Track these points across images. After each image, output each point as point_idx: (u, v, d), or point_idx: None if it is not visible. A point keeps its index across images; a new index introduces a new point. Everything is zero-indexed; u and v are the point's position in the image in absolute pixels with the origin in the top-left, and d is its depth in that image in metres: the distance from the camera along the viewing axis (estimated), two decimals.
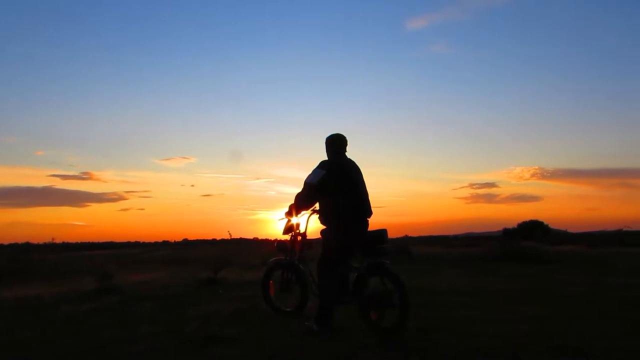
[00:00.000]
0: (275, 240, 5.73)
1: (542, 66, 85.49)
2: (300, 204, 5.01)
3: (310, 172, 4.87)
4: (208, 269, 8.92)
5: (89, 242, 46.57)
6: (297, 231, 5.35)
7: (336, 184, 4.73)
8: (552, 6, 79.97)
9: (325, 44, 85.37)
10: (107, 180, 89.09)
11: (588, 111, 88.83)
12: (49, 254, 15.41)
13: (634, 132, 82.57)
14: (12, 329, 5.27)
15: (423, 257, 14.08)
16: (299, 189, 4.97)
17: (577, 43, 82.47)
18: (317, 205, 5.03)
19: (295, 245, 5.39)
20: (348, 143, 5.05)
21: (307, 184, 4.84)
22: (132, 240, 50.10)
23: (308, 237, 5.35)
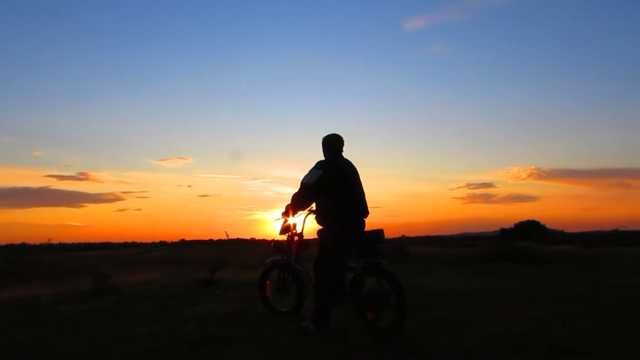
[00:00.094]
0: (272, 240, 5.73)
1: (540, 66, 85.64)
2: (297, 204, 5.02)
3: (307, 172, 4.88)
4: (205, 270, 8.91)
5: (85, 243, 46.48)
6: (294, 231, 5.35)
7: (333, 184, 4.74)
8: (551, 6, 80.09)
9: (324, 44, 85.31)
10: (103, 180, 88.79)
11: (585, 111, 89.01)
12: (46, 254, 15.33)
13: (631, 132, 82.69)
14: (9, 329, 5.26)
15: (420, 257, 14.09)
16: (295, 189, 4.97)
17: (575, 43, 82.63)
18: (313, 206, 5.04)
19: (292, 245, 5.40)
20: (345, 143, 5.06)
21: (304, 184, 4.85)
22: (129, 240, 50.02)
23: (305, 238, 5.36)
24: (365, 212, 4.89)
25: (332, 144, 5.02)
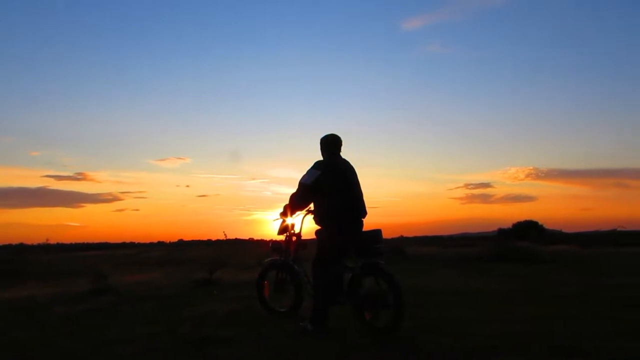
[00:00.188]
0: (271, 240, 5.72)
1: (537, 67, 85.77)
2: (295, 204, 5.01)
3: (305, 172, 4.88)
4: (203, 270, 8.89)
5: (83, 243, 46.45)
6: (292, 231, 5.35)
7: (331, 185, 4.73)
8: (548, 7, 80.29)
9: (324, 45, 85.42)
10: (101, 180, 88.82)
11: (582, 112, 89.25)
12: (43, 255, 15.30)
13: (628, 133, 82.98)
14: (8, 329, 5.25)
15: (418, 257, 14.09)
16: (294, 190, 4.97)
17: (572, 44, 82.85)
18: (311, 206, 5.04)
19: (290, 245, 5.39)
20: (343, 143, 5.05)
21: (302, 184, 4.84)
22: (127, 240, 49.96)
23: (303, 238, 5.36)
24: (363, 212, 4.88)
25: (330, 144, 5.02)
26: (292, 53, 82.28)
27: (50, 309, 6.36)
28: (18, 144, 78.78)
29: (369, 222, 4.90)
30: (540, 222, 37.17)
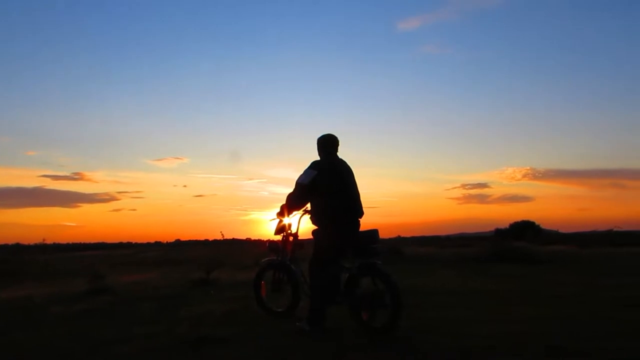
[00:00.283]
0: (268, 240, 5.72)
1: (533, 67, 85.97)
2: (292, 204, 5.01)
3: (302, 172, 4.88)
4: (200, 270, 8.89)
5: (80, 243, 46.32)
6: (289, 231, 5.35)
7: (327, 184, 4.73)
8: (544, 8, 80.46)
9: (323, 45, 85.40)
10: (98, 180, 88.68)
11: (579, 112, 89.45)
12: (40, 254, 15.27)
13: (625, 133, 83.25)
14: (4, 330, 5.24)
15: (416, 258, 14.10)
16: (291, 190, 4.96)
17: (568, 44, 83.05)
18: (308, 206, 5.03)
19: (287, 245, 5.39)
20: (340, 143, 5.05)
21: (299, 184, 4.84)
22: (124, 240, 49.91)
23: (300, 238, 5.35)
24: (360, 212, 4.88)
25: (327, 144, 5.01)
26: (292, 53, 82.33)
27: (47, 309, 6.34)
28: (15, 143, 78.63)
29: (366, 222, 4.91)
30: (537, 223, 37.33)
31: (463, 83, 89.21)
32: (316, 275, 4.76)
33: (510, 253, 12.83)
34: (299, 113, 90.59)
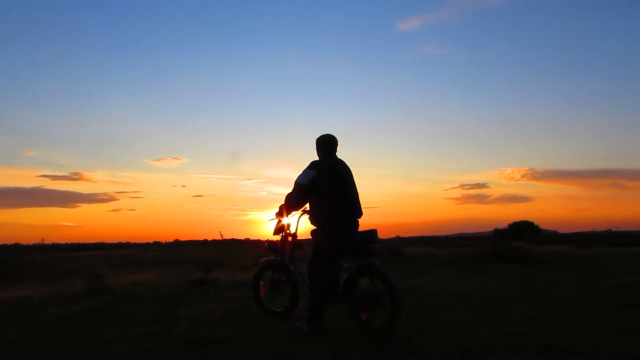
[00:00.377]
0: (266, 240, 5.72)
1: (533, 67, 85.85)
2: (291, 204, 5.01)
3: (301, 172, 4.88)
4: (199, 270, 8.88)
5: (79, 243, 46.29)
6: (288, 232, 5.35)
7: (326, 185, 4.73)
8: (544, 8, 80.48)
9: (323, 45, 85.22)
10: (97, 180, 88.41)
11: (578, 112, 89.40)
12: (39, 255, 15.25)
13: (624, 133, 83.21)
14: (3, 330, 5.23)
15: (415, 258, 14.11)
16: (290, 190, 4.97)
17: (568, 44, 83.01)
18: (307, 206, 5.04)
19: (285, 245, 5.39)
20: (338, 143, 5.06)
21: (298, 184, 4.84)
22: (123, 241, 49.89)
23: (298, 238, 5.35)
24: (359, 212, 4.88)
25: (326, 144, 5.02)
26: (292, 53, 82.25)
27: (46, 309, 6.34)
28: (13, 143, 78.32)
29: (365, 223, 4.91)
30: (535, 223, 37.33)
31: (463, 83, 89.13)
32: (315, 276, 4.77)
33: (509, 253, 12.84)
34: (298, 113, 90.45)
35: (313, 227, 4.92)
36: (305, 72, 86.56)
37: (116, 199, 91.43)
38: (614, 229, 22.33)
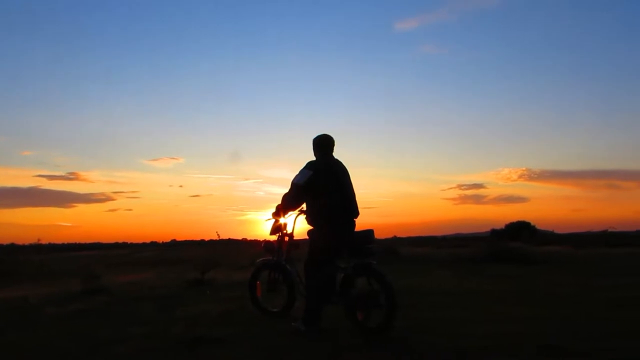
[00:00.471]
0: (263, 240, 5.71)
1: (531, 68, 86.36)
2: (288, 204, 5.00)
3: (297, 172, 4.87)
4: (196, 270, 8.87)
5: (75, 243, 46.29)
6: (285, 232, 5.34)
7: (323, 185, 4.72)
8: (542, 8, 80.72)
9: (323, 45, 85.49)
10: (94, 180, 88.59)
11: (575, 113, 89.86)
12: (35, 255, 15.22)
13: (620, 134, 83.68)
14: (1, 330, 5.21)
15: (412, 258, 14.13)
16: (286, 190, 4.96)
17: (565, 45, 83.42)
18: (304, 206, 5.03)
19: (282, 245, 5.39)
20: (335, 144, 5.05)
21: (294, 184, 4.83)
22: (120, 241, 49.95)
23: (295, 238, 5.35)
24: (355, 212, 4.88)
25: (323, 144, 5.01)
26: (292, 53, 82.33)
27: (42, 310, 6.32)
28: (10, 143, 78.40)
29: (362, 223, 4.91)
30: (532, 223, 37.45)
31: (461, 83, 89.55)
32: (312, 276, 4.76)
33: (505, 253, 12.87)
34: (298, 113, 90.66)
35: (310, 227, 4.91)
36: (304, 72, 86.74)
37: (113, 199, 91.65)
38: (610, 230, 22.47)
